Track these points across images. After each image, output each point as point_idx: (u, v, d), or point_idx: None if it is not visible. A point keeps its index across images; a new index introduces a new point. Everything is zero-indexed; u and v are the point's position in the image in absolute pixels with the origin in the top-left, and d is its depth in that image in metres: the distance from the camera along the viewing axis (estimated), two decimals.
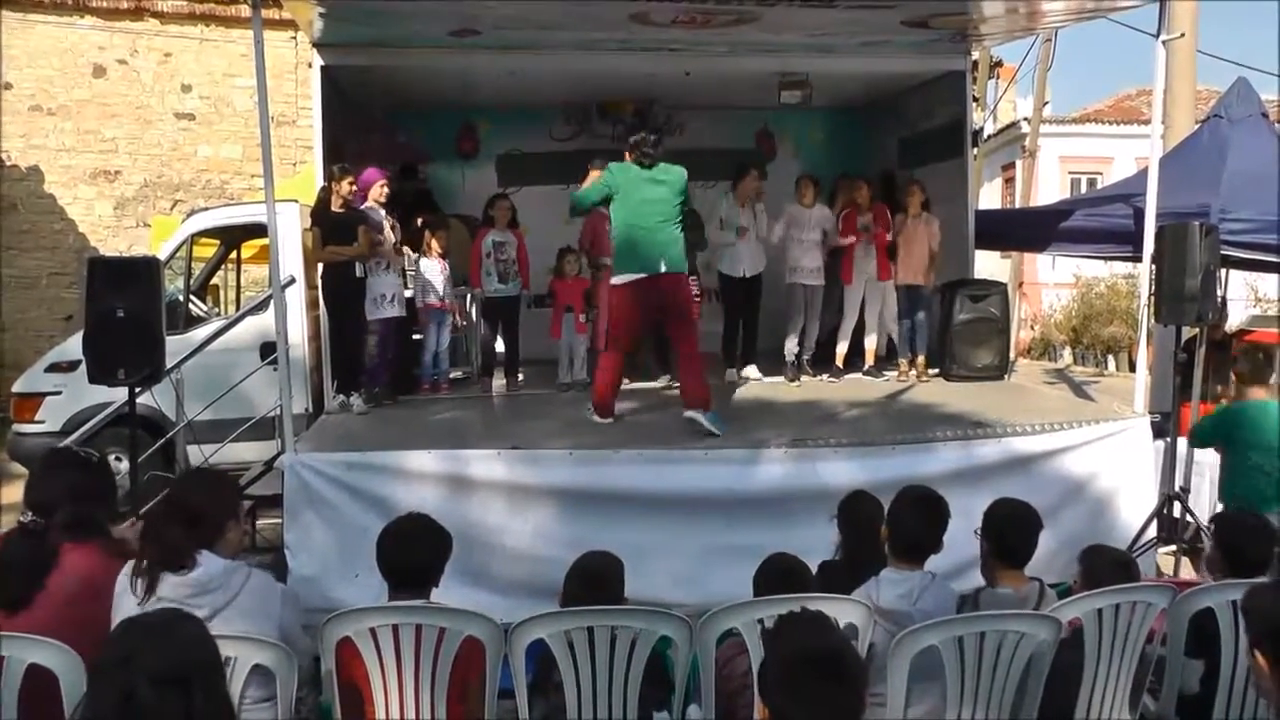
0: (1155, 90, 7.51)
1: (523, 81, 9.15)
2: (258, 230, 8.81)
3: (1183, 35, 8.72)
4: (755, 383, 8.65)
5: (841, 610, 3.33)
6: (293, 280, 8.05)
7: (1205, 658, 3.82)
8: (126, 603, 3.18)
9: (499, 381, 8.41)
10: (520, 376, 8.50)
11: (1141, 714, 3.93)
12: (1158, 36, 7.24)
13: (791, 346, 8.90)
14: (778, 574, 3.73)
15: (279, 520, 5.91)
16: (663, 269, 6.58)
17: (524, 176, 10.71)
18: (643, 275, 6.61)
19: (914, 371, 8.93)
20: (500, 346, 8.70)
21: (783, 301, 8.95)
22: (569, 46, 8.38)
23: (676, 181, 6.74)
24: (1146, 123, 7.94)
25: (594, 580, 3.73)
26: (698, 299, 8.14)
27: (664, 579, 5.42)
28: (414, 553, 3.56)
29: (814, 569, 3.99)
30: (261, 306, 8.56)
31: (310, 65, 8.47)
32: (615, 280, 6.81)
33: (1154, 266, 7.02)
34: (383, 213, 7.63)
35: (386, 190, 7.71)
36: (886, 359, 9.18)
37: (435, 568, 3.58)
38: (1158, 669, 3.92)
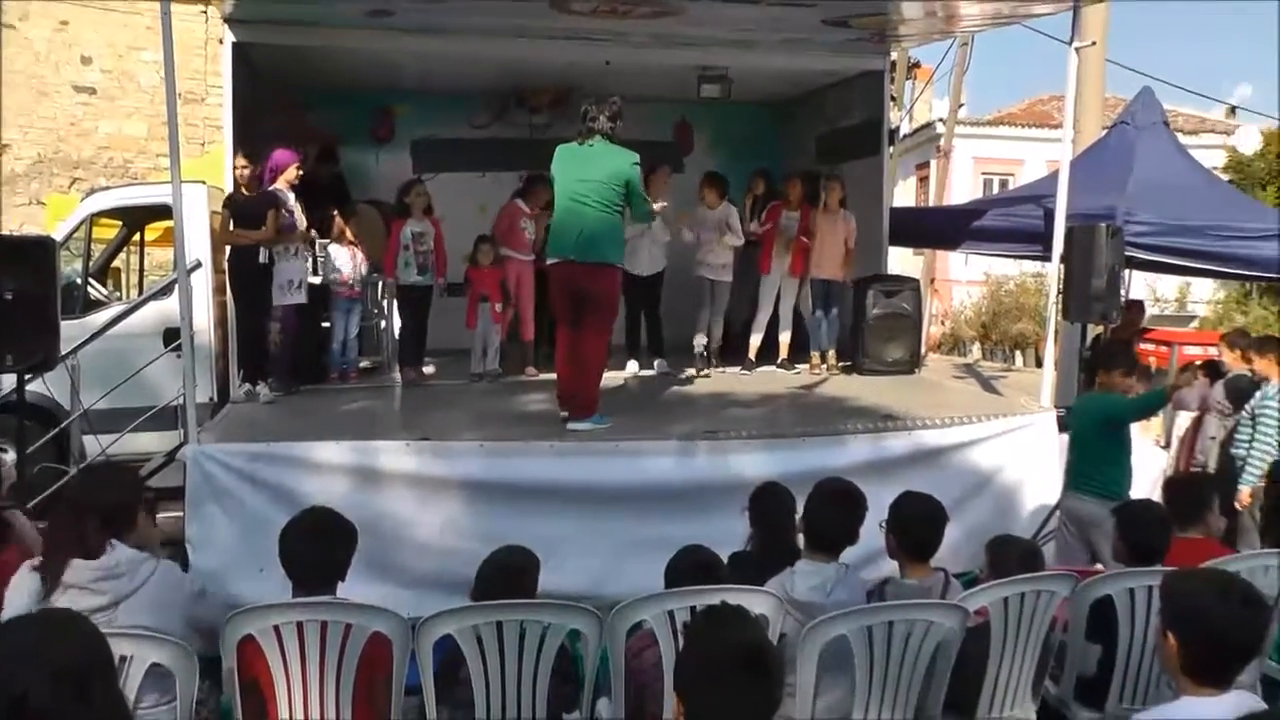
0: (1067, 96, 7.68)
1: (441, 66, 9.03)
2: (162, 212, 8.50)
3: (1094, 43, 8.90)
4: (668, 376, 8.67)
5: (752, 601, 3.31)
6: (199, 264, 7.84)
7: (1103, 642, 3.97)
8: (18, 598, 3.09)
9: (409, 371, 8.27)
10: (431, 367, 8.38)
11: (1043, 698, 4.04)
12: (1070, 43, 7.43)
13: (700, 339, 8.94)
14: (689, 566, 3.72)
15: (180, 514, 5.73)
16: (575, 256, 6.23)
17: (440, 163, 10.50)
18: (558, 259, 6.35)
19: (826, 365, 9.03)
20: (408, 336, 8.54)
21: (691, 295, 8.99)
22: (488, 32, 8.26)
23: (615, 164, 6.23)
24: (1057, 127, 8.12)
25: (507, 575, 3.67)
26: None
27: (577, 573, 5.38)
28: (318, 547, 3.46)
29: (726, 560, 4.00)
30: (165, 291, 8.26)
31: (221, 41, 8.25)
32: (547, 261, 6.63)
33: (1062, 266, 7.19)
34: (293, 196, 7.44)
35: (300, 173, 7.52)
36: (799, 353, 9.24)
37: (341, 562, 3.48)
38: (1059, 654, 4.05)
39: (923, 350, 9.95)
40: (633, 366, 8.78)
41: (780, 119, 11.48)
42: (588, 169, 6.24)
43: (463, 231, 8.69)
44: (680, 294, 9.11)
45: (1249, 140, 24.78)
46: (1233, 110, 30.66)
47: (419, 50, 8.50)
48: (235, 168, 7.27)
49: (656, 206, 6.79)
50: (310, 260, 7.80)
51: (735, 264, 9.08)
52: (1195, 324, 19.51)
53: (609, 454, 5.97)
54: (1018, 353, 23.13)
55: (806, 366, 9.05)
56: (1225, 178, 18.90)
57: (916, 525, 3.94)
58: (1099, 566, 5.09)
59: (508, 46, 8.49)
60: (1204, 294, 22.97)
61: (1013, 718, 3.87)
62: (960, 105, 20.71)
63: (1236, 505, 6.59)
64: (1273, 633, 4.26)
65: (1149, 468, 7.76)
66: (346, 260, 7.98)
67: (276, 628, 3.19)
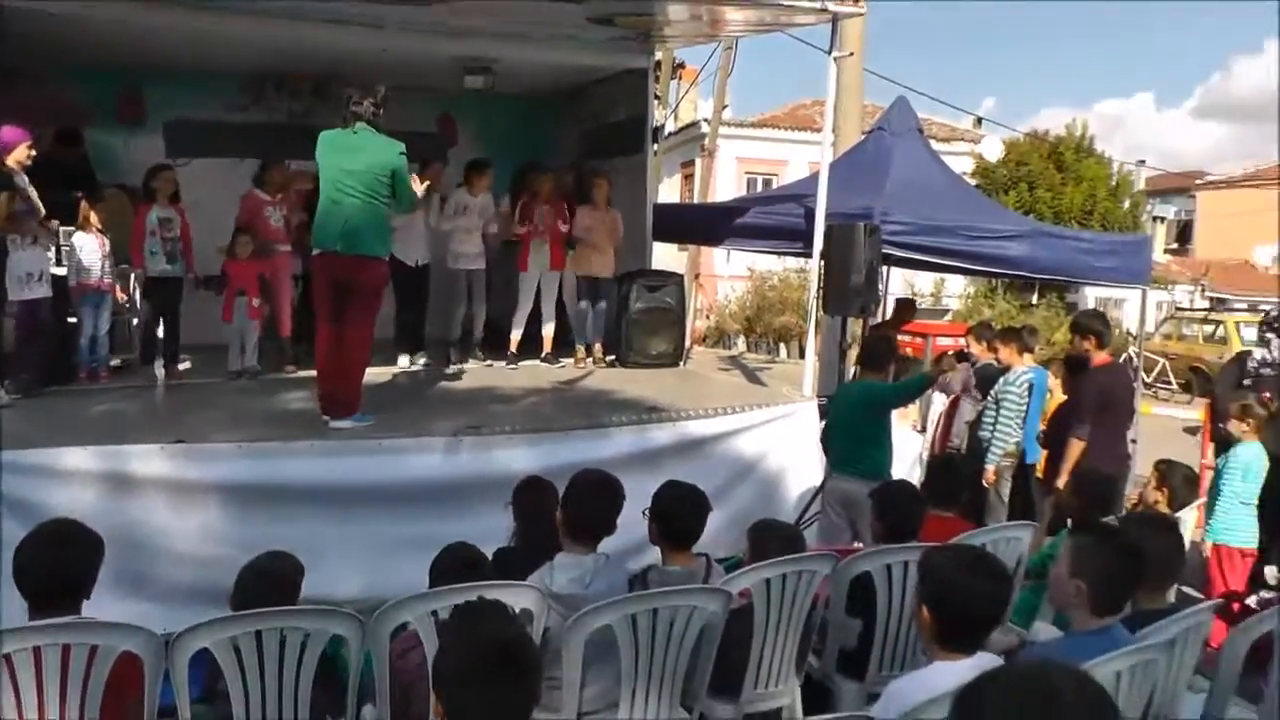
0: (827, 102, 8.09)
1: (197, 45, 8.50)
2: None
3: (851, 54, 9.37)
4: (432, 371, 8.56)
5: (516, 597, 3.34)
6: None
7: (863, 617, 4.19)
8: None
9: (160, 369, 7.82)
10: (185, 364, 7.96)
11: (807, 673, 4.24)
12: (829, 53, 7.79)
13: (457, 332, 8.91)
14: (453, 564, 3.68)
15: None
16: (338, 248, 6.06)
17: (195, 147, 9.90)
18: (320, 251, 6.16)
19: (591, 359, 9.14)
20: (161, 332, 8.03)
21: (447, 287, 8.92)
22: (248, 11, 7.87)
23: (381, 154, 6.08)
24: (818, 130, 8.46)
25: (268, 582, 3.53)
26: None
27: (341, 576, 5.25)
28: (57, 561, 3.19)
29: (491, 556, 3.99)
30: None
31: None
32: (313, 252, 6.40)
33: (823, 262, 7.51)
34: (26, 179, 6.86)
35: (32, 153, 6.90)
36: (564, 346, 9.31)
37: (84, 578, 3.23)
38: (821, 630, 4.25)
39: (687, 343, 10.19)
40: (404, 361, 8.64)
41: (546, 114, 11.48)
42: (352, 158, 6.07)
43: (222, 221, 8.24)
44: (441, 286, 9.00)
45: (993, 149, 26.74)
46: (979, 121, 33.07)
47: (172, 25, 7.92)
48: None
49: (419, 188, 6.62)
50: (53, 250, 7.23)
51: (497, 255, 9.08)
52: (949, 317, 20.81)
53: (372, 452, 5.84)
54: (781, 345, 24.05)
55: (571, 360, 9.13)
56: (973, 182, 20.29)
57: (677, 513, 4.03)
58: (859, 545, 5.37)
59: (268, 27, 8.09)
60: (956, 289, 24.55)
61: (777, 694, 4.04)
62: (724, 106, 21.29)
63: (984, 483, 7.09)
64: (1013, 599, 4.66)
65: (907, 450, 8.27)
66: (94, 250, 7.44)
67: (8, 657, 2.89)
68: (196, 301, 8.08)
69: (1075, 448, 6.42)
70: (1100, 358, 6.70)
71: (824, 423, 6.75)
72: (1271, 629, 3.60)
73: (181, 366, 7.92)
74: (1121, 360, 11.33)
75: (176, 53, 8.96)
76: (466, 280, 8.87)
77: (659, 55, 13.64)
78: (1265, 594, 4.53)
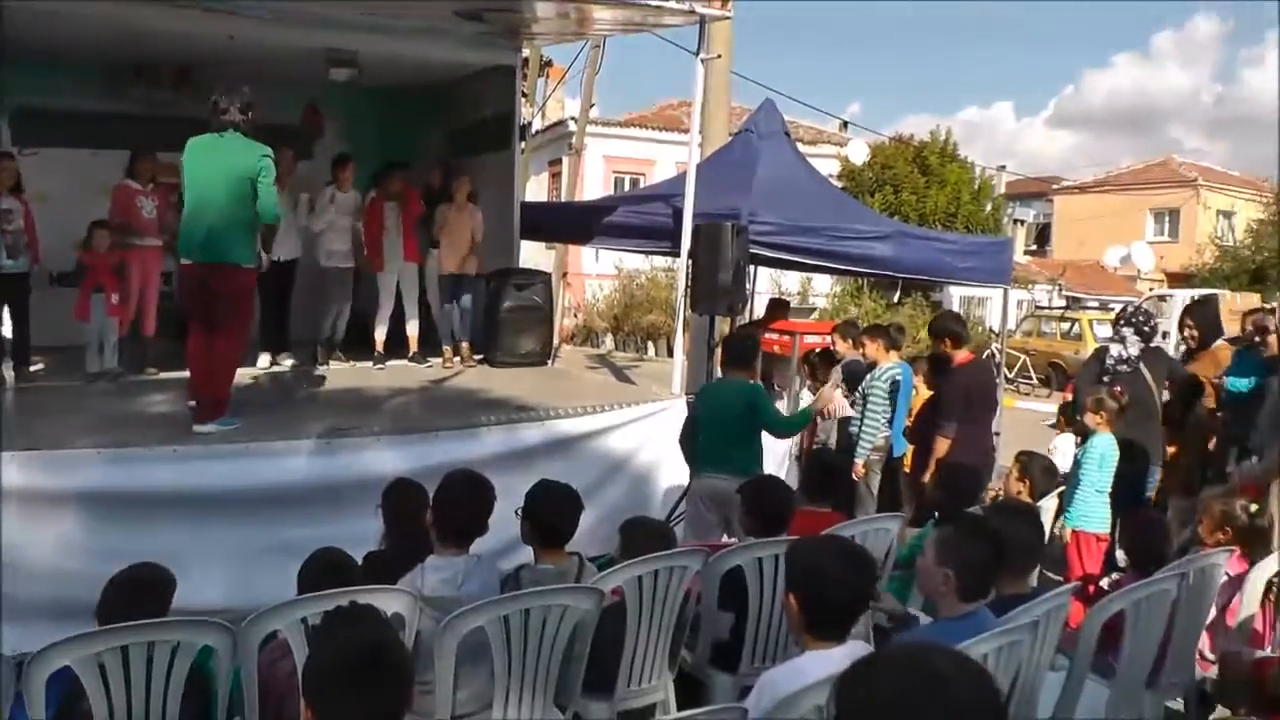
0: (694, 103, 8.17)
1: (44, 28, 8.05)
2: None
3: (719, 56, 9.47)
4: (299, 372, 8.38)
5: (387, 601, 3.30)
6: None
7: (735, 610, 4.27)
8: None
9: (9, 371, 7.42)
10: (37, 365, 7.61)
11: (680, 667, 4.30)
12: (697, 54, 7.87)
13: (326, 331, 8.75)
14: (321, 569, 3.62)
15: None
16: (202, 257, 5.90)
17: (45, 137, 9.35)
18: (187, 260, 6.01)
19: (459, 358, 9.06)
20: (8, 331, 7.61)
21: (314, 285, 8.76)
22: None
23: (246, 159, 5.93)
24: (686, 131, 8.54)
25: (136, 594, 3.40)
26: None
27: (209, 585, 5.09)
28: None
29: (361, 561, 3.93)
30: None
31: None
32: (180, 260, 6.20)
33: (690, 261, 7.59)
34: None
35: None
36: (432, 346, 9.21)
37: None
38: (694, 625, 4.32)
39: (555, 342, 10.20)
40: (264, 360, 8.44)
41: (414, 109, 11.28)
42: (218, 164, 5.93)
43: (77, 214, 7.88)
44: (307, 284, 8.81)
45: (858, 152, 27.44)
46: (845, 125, 34.01)
47: (15, 6, 7.41)
48: None
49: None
50: None
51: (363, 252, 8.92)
52: (815, 315, 21.24)
53: (239, 456, 5.67)
54: (650, 343, 24.23)
55: (439, 360, 9.04)
56: (839, 184, 20.78)
57: (549, 512, 4.05)
58: (731, 540, 5.44)
59: (121, 11, 7.68)
60: (823, 288, 25.07)
61: (651, 690, 4.09)
62: (592, 105, 21.33)
63: (853, 476, 7.27)
64: (884, 582, 4.81)
65: (777, 446, 8.42)
66: None
67: None
68: (51, 299, 7.72)
69: (942, 444, 6.67)
70: (962, 356, 6.95)
71: (687, 419, 6.80)
72: (1122, 608, 3.82)
73: (33, 368, 7.55)
74: (984, 356, 11.75)
75: (21, 36, 8.49)
76: (336, 279, 8.71)
77: (526, 52, 13.61)
78: (1116, 575, 4.77)
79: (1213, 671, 4.45)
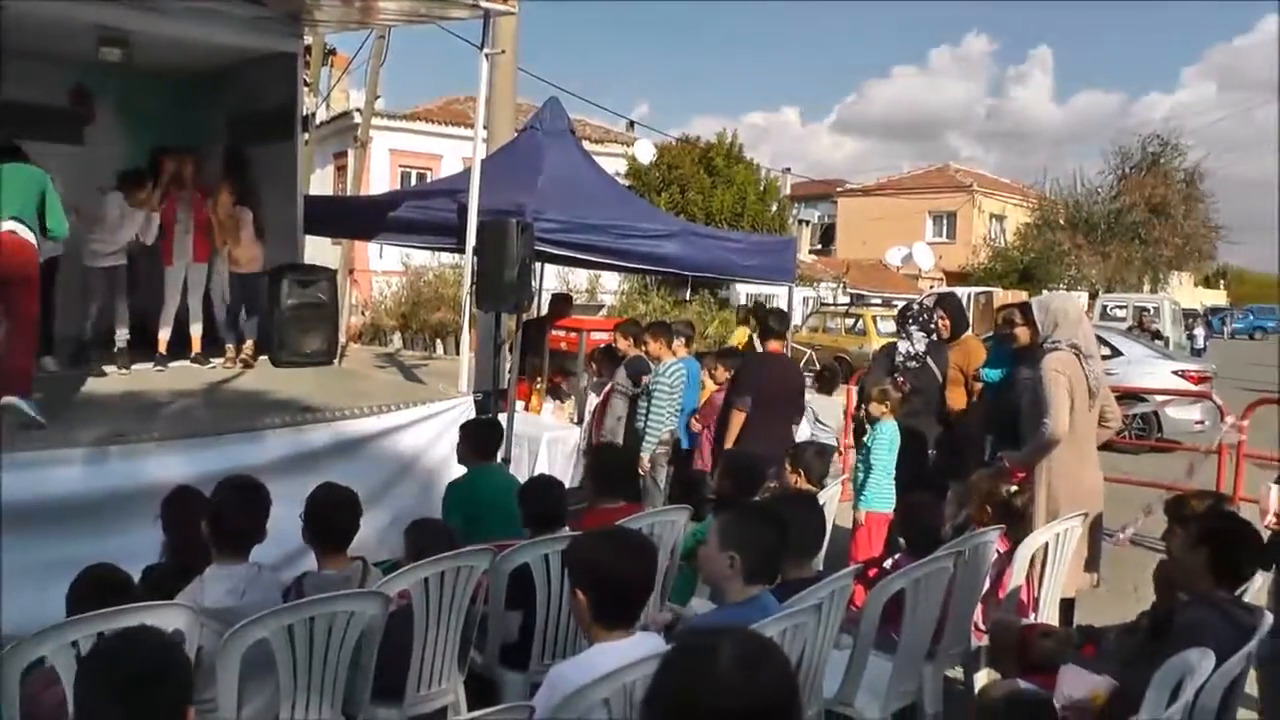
0: (479, 98, 8.10)
1: None
2: None
3: (503, 52, 9.43)
4: (64, 373, 7.83)
5: (165, 617, 3.13)
6: None
7: (523, 608, 4.29)
8: None
9: None
10: None
11: (470, 668, 4.28)
12: (481, 49, 7.81)
13: (97, 331, 8.21)
14: (91, 588, 3.39)
15: None
16: None
17: None
18: None
19: (241, 358, 8.70)
20: None
21: (82, 283, 8.22)
22: None
23: None
24: (472, 126, 8.47)
25: None
26: None
27: None
28: None
29: (140, 576, 3.73)
30: None
31: None
32: None
33: (476, 258, 7.54)
34: None
35: None
36: (213, 345, 8.82)
37: None
38: (482, 625, 4.31)
39: (342, 340, 9.93)
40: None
41: (195, 95, 10.65)
42: None
43: None
44: (76, 282, 8.24)
45: (645, 152, 27.87)
46: (632, 125, 34.57)
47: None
48: None
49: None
50: None
51: (139, 249, 8.42)
52: (604, 312, 21.47)
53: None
54: (438, 341, 23.96)
55: (222, 360, 8.66)
56: (626, 183, 21.07)
57: (329, 516, 3.97)
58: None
59: None
60: (612, 285, 25.34)
61: (441, 693, 4.05)
62: (377, 97, 20.91)
63: (639, 471, 7.39)
64: (670, 574, 4.91)
65: (564, 444, 8.48)
66: None
67: None
68: None
69: (737, 418, 6.96)
70: (772, 346, 7.41)
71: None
72: (903, 587, 4.03)
73: None
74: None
75: None
76: (106, 277, 8.15)
77: (309, 40, 13.19)
78: (897, 555, 5.04)
79: (986, 640, 4.77)
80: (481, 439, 5.85)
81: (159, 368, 8.25)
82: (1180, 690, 2.97)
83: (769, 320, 7.58)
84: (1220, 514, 4.07)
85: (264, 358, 8.82)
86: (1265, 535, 4.63)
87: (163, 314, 8.48)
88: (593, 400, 8.70)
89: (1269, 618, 3.47)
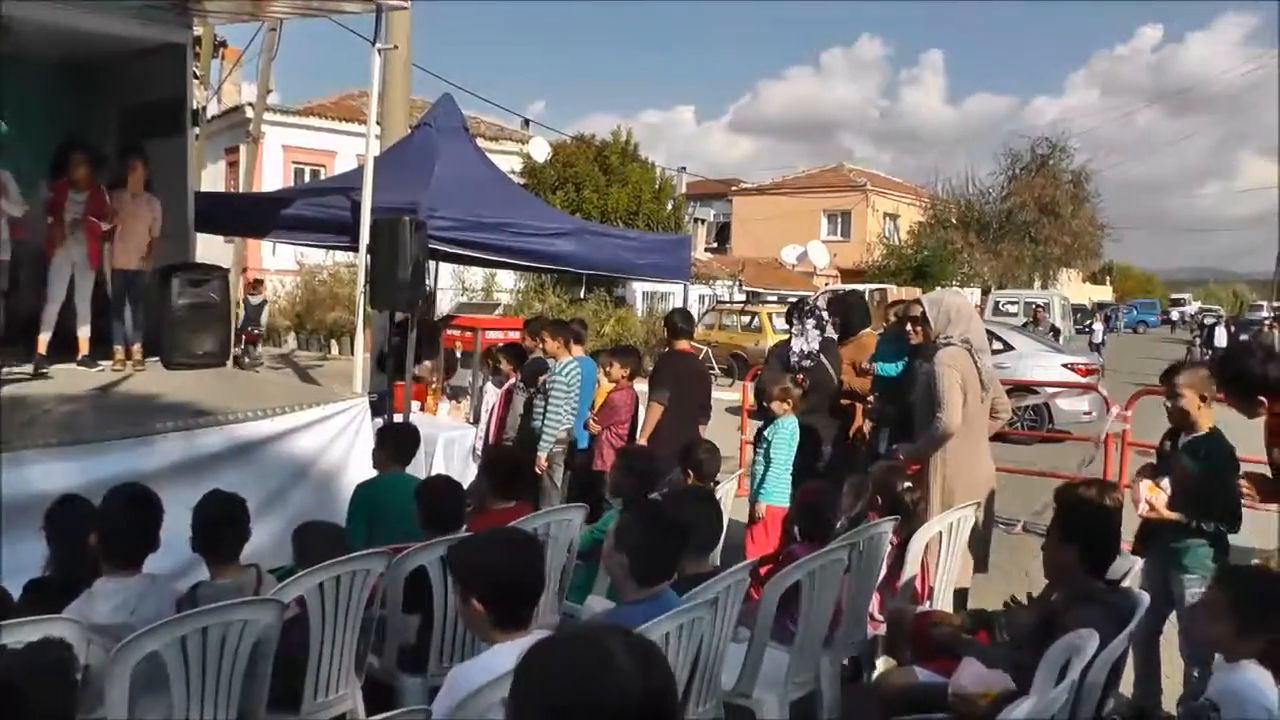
0: (371, 94, 8.00)
1: None
2: None
3: (396, 47, 9.33)
4: None
5: (50, 633, 3.04)
6: None
7: (421, 611, 4.28)
8: None
9: None
10: None
11: (368, 673, 4.24)
12: (374, 44, 7.72)
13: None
14: None
15: None
16: None
17: None
18: None
19: (130, 360, 8.43)
20: None
21: None
22: None
23: None
24: (365, 123, 8.40)
25: None
26: None
27: None
28: None
29: (21, 590, 3.61)
30: None
31: None
32: None
33: (370, 257, 7.46)
34: None
35: None
36: (100, 347, 8.51)
37: None
38: (379, 629, 4.28)
39: (235, 342, 9.71)
40: None
41: (82, 86, 10.22)
42: None
43: None
44: None
45: (540, 150, 27.80)
46: (527, 123, 34.48)
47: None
48: None
49: None
50: None
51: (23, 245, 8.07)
52: (500, 310, 21.38)
53: None
54: (334, 341, 23.61)
55: (110, 363, 8.38)
56: (521, 181, 21.01)
57: (215, 524, 3.91)
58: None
59: None
60: (508, 284, 25.21)
61: (339, 699, 4.01)
62: (269, 91, 20.49)
63: (536, 470, 7.39)
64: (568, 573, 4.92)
65: (460, 444, 8.42)
66: None
67: None
68: None
69: (654, 410, 7.13)
70: (682, 345, 7.59)
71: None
72: (799, 579, 4.11)
73: None
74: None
75: None
76: None
77: (199, 31, 12.87)
78: (793, 547, 5.13)
79: (883, 629, 4.90)
80: (402, 444, 5.78)
81: (40, 370, 7.89)
82: (1068, 669, 3.11)
83: (676, 319, 7.66)
84: (1083, 508, 4.22)
85: (155, 359, 8.56)
86: (1138, 524, 4.84)
87: (44, 314, 8.06)
88: (489, 399, 8.66)
89: (1145, 598, 3.68)
